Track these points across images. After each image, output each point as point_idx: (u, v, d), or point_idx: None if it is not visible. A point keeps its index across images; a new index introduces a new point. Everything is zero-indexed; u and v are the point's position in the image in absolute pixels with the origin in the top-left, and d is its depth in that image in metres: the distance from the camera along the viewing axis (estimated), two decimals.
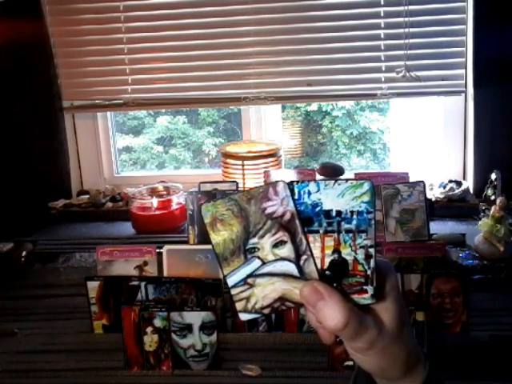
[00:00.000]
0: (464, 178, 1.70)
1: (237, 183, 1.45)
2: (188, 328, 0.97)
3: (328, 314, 0.44)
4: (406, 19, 1.58)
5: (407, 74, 1.60)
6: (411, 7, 1.57)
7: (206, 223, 0.45)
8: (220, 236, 0.45)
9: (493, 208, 1.26)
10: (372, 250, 0.45)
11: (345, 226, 0.44)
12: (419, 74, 1.60)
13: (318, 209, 0.44)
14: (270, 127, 1.85)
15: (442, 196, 1.56)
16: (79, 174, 1.89)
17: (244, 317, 0.46)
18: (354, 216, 0.44)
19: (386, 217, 1.29)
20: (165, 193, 1.62)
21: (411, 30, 1.59)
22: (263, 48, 1.67)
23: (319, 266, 0.45)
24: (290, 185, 0.44)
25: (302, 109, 3.33)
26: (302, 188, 0.44)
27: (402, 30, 1.59)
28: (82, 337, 1.10)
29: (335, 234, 0.45)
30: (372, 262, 0.45)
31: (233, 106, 2.44)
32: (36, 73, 1.70)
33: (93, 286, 1.09)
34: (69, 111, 1.80)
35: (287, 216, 0.44)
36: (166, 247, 1.16)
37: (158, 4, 1.68)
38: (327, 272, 0.45)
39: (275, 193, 0.44)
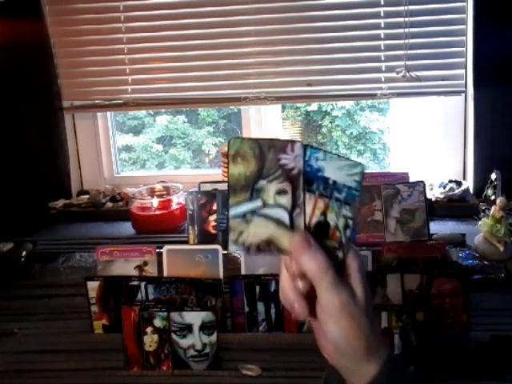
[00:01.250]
0: (464, 178, 1.70)
1: None
2: (188, 328, 0.97)
3: (314, 258, 0.51)
4: (406, 19, 1.58)
5: (407, 74, 1.60)
6: (411, 7, 1.57)
7: (230, 154, 0.51)
8: (237, 169, 0.51)
9: (493, 208, 1.26)
10: (351, 222, 0.53)
11: (336, 194, 0.52)
12: (419, 74, 1.60)
13: (319, 174, 0.52)
14: (270, 127, 1.85)
15: (442, 196, 1.56)
16: (79, 174, 1.89)
17: (233, 248, 0.52)
18: (345, 189, 0.52)
19: (386, 217, 1.29)
20: (165, 193, 1.62)
21: (411, 29, 1.58)
22: (263, 48, 1.67)
23: (307, 222, 0.52)
24: (305, 147, 0.52)
25: (302, 109, 3.33)
26: (313, 153, 0.52)
27: (402, 30, 1.59)
28: (82, 337, 1.10)
29: (327, 199, 0.52)
30: (348, 232, 0.53)
31: (233, 106, 2.44)
32: (36, 73, 1.70)
33: (93, 285, 1.09)
34: (69, 111, 1.79)
35: (295, 171, 0.52)
36: (166, 247, 1.16)
37: (158, 4, 1.68)
38: (311, 231, 0.52)
39: (292, 149, 0.51)
